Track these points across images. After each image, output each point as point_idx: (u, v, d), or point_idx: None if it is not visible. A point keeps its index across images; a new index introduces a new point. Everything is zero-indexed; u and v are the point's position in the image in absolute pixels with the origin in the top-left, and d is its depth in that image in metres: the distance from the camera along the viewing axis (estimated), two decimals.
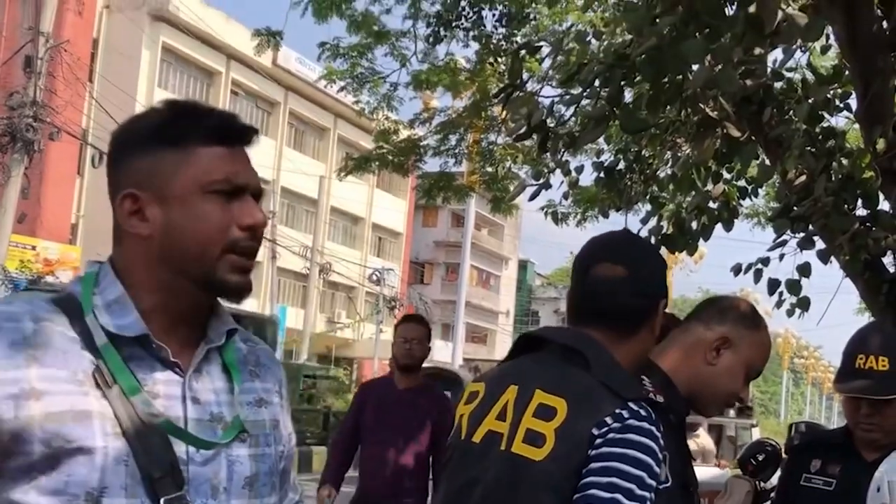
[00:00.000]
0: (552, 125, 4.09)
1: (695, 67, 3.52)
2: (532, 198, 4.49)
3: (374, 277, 37.43)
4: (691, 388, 2.03)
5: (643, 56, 3.24)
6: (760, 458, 4.43)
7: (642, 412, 1.69)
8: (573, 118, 4.65)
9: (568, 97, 4.08)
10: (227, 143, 1.40)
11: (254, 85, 35.62)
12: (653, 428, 1.68)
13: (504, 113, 5.05)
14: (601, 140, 9.34)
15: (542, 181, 4.21)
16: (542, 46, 4.99)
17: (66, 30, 24.60)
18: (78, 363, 1.30)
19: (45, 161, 21.68)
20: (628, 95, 4.42)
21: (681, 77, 3.62)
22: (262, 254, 33.51)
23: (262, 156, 34.85)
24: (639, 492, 1.63)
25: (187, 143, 1.38)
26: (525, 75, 7.84)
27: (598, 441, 1.67)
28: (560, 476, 1.66)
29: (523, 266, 62.38)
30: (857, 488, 2.06)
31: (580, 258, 1.92)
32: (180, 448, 1.34)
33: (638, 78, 3.90)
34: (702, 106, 3.90)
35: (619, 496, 1.62)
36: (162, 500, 1.28)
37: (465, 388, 1.93)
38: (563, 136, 4.08)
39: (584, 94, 3.79)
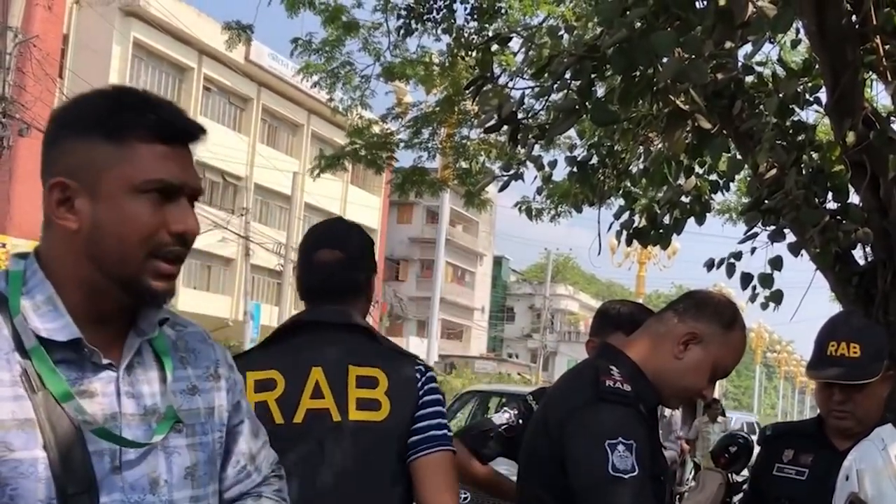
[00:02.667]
0: (523, 118, 4.07)
1: (665, 60, 3.51)
2: (502, 188, 4.48)
3: None
4: (655, 379, 2.02)
5: (613, 48, 3.22)
6: (733, 450, 4.45)
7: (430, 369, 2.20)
8: (544, 110, 4.63)
9: (538, 89, 4.05)
10: (168, 141, 1.34)
11: (226, 81, 35.37)
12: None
13: (475, 105, 5.02)
14: (574, 135, 9.35)
15: (511, 172, 4.18)
16: (512, 37, 4.97)
17: (36, 25, 24.35)
18: (14, 367, 1.25)
19: (14, 158, 21.43)
20: (600, 89, 4.41)
21: (651, 70, 3.60)
22: (236, 251, 33.42)
23: (235, 152, 34.70)
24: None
25: (126, 138, 1.32)
26: (498, 69, 7.85)
27: (421, 392, 2.12)
28: (402, 428, 2.07)
29: (498, 262, 62.46)
30: (829, 477, 2.05)
31: (305, 246, 2.31)
32: (113, 448, 1.30)
33: (609, 70, 3.88)
34: (672, 98, 3.88)
35: (446, 431, 2.10)
36: None
37: (247, 377, 2.02)
38: (533, 129, 4.05)
39: (555, 86, 3.78)
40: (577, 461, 1.88)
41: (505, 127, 3.80)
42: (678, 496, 10.36)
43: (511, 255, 70.83)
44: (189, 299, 33.60)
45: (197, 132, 1.39)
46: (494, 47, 8.69)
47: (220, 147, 33.46)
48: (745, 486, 3.00)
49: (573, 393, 2.01)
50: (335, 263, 2.22)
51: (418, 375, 2.14)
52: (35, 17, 24.73)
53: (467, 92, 5.12)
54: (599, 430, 1.86)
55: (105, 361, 1.33)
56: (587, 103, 3.64)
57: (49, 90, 22.12)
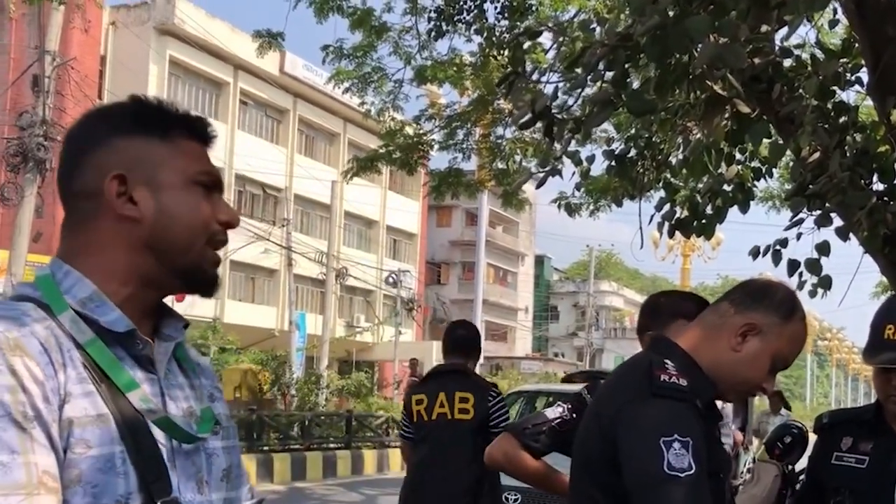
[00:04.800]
0: (557, 112, 4.01)
1: (700, 46, 3.44)
2: (539, 185, 4.43)
3: (391, 280, 37.42)
4: (712, 372, 1.95)
5: (647, 36, 3.16)
6: (787, 440, 4.36)
7: None
8: (578, 103, 4.57)
9: (571, 82, 4.00)
10: (202, 140, 1.42)
11: (262, 94, 35.67)
12: None
13: (508, 102, 4.97)
14: (611, 128, 9.27)
15: (548, 169, 4.13)
16: (542, 31, 4.91)
17: (74, 48, 24.73)
18: (76, 363, 1.24)
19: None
20: (635, 80, 4.34)
21: (687, 56, 3.54)
22: (279, 261, 33.62)
23: (274, 164, 34.96)
24: None
25: (173, 135, 1.38)
26: (530, 66, 7.80)
27: (491, 405, 4.74)
28: (480, 424, 4.64)
29: (540, 262, 62.23)
30: (891, 464, 1.97)
31: (450, 326, 4.77)
32: (168, 445, 1.30)
33: (643, 59, 3.82)
34: (709, 84, 3.81)
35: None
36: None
37: (413, 398, 4.93)
38: (568, 123, 4.00)
39: (588, 78, 3.73)
40: (630, 459, 1.80)
41: (539, 122, 3.75)
42: (736, 488, 10.21)
43: (553, 254, 70.61)
44: (235, 311, 33.90)
45: (214, 135, 1.47)
46: (526, 44, 8.67)
47: (258, 160, 33.74)
48: (801, 477, 2.92)
49: (626, 388, 1.94)
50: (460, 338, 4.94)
51: (490, 396, 4.78)
52: (72, 40, 25.11)
53: (500, 89, 5.07)
54: (654, 426, 1.79)
55: (152, 357, 1.34)
56: (622, 94, 3.58)
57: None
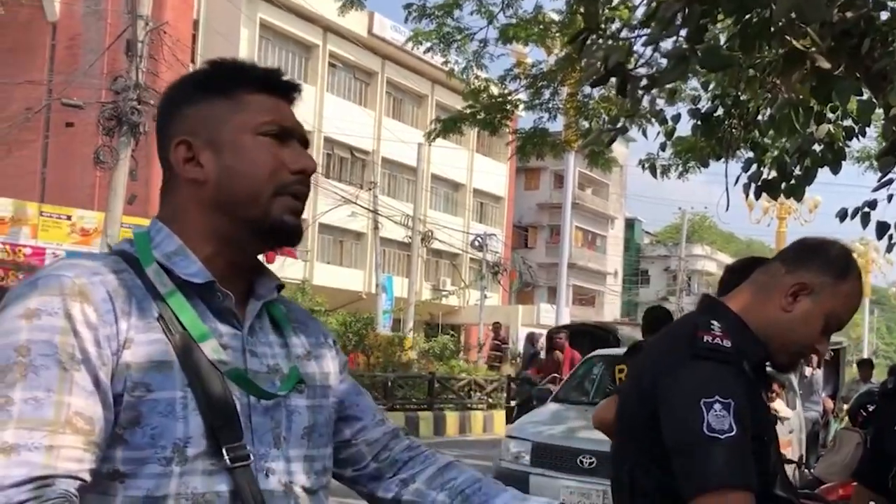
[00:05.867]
0: (633, 69, 3.91)
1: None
2: (609, 143, 4.34)
3: (477, 243, 37.42)
4: (762, 333, 1.90)
5: None
6: (870, 408, 4.23)
7: None
8: (655, 61, 4.45)
9: (646, 37, 3.89)
10: (273, 92, 1.43)
11: (351, 56, 35.83)
12: None
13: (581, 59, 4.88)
14: (698, 86, 9.02)
15: (619, 126, 4.03)
16: None
17: (167, 12, 25.18)
18: (150, 312, 1.30)
19: (152, 143, 22.25)
20: (715, 35, 4.19)
21: (768, 11, 3.40)
22: (366, 225, 33.92)
23: (362, 127, 35.18)
24: None
25: (236, 92, 1.41)
26: (618, 24, 7.62)
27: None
28: None
29: (630, 225, 61.48)
30: None
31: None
32: (244, 398, 1.34)
33: (720, 14, 3.69)
34: (788, 38, 3.65)
35: None
36: (224, 450, 1.28)
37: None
38: (641, 79, 3.89)
39: (664, 33, 3.61)
40: (670, 421, 1.79)
41: (613, 79, 3.66)
42: (819, 457, 9.97)
43: (644, 217, 69.69)
44: (323, 274, 34.38)
45: (295, 87, 1.47)
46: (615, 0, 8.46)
47: (346, 122, 33.99)
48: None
49: (668, 350, 1.90)
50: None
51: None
52: (166, 4, 25.59)
53: (572, 45, 4.96)
54: (694, 387, 1.76)
55: (234, 310, 1.38)
56: (697, 49, 3.47)
57: (182, 76, 22.86)
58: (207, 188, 1.38)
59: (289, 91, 1.46)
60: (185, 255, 1.36)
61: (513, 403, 15.00)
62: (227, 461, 1.28)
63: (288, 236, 1.40)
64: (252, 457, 1.31)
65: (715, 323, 1.87)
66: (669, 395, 1.81)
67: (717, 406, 1.72)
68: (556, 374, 12.24)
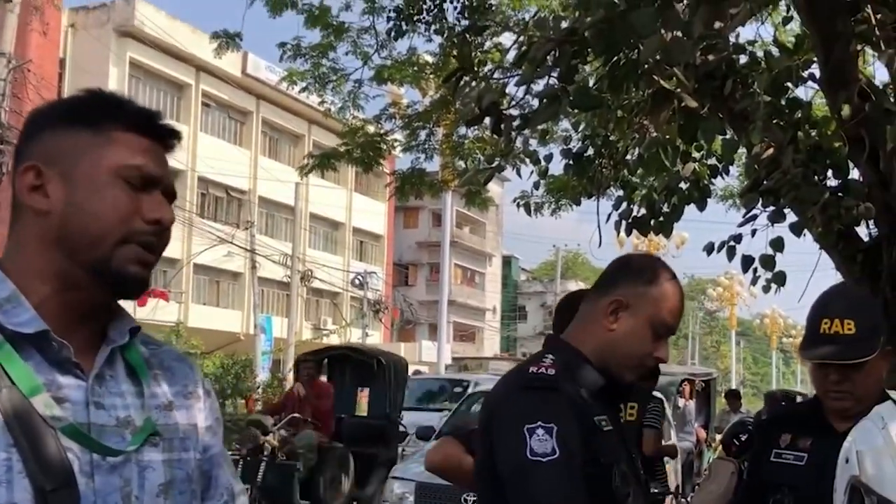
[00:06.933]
0: (505, 109, 3.97)
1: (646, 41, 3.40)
2: (486, 182, 4.39)
3: (357, 281, 37.24)
4: (599, 357, 1.98)
5: (592, 30, 3.12)
6: (743, 437, 4.34)
7: None
8: (526, 99, 4.53)
9: (518, 77, 3.95)
10: (145, 134, 1.35)
11: (224, 95, 35.39)
12: None
13: (456, 99, 4.94)
14: (569, 127, 9.24)
15: (494, 165, 4.09)
16: (488, 26, 4.86)
17: (32, 50, 24.31)
18: None
19: None
20: (585, 75, 4.30)
21: (635, 52, 3.50)
22: (243, 264, 33.34)
23: (237, 166, 34.66)
24: None
25: (105, 126, 1.32)
26: (490, 66, 7.75)
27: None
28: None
29: (507, 262, 62.29)
30: (829, 461, 1.92)
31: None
32: (85, 456, 1.23)
33: (591, 55, 3.78)
34: (656, 78, 3.78)
35: None
36: None
37: None
38: (515, 118, 3.95)
39: (536, 73, 3.68)
40: (499, 450, 1.88)
41: (487, 119, 3.70)
42: (695, 486, 10.23)
43: (520, 254, 70.69)
44: (199, 315, 33.57)
45: (172, 132, 1.38)
46: (486, 43, 8.61)
47: (222, 162, 33.44)
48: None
49: (503, 385, 2.02)
50: None
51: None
52: (30, 42, 24.70)
53: (446, 86, 5.02)
54: (519, 416, 1.84)
55: (74, 360, 1.27)
56: (568, 90, 3.54)
57: None
58: (51, 222, 1.28)
59: (165, 136, 1.37)
60: (18, 302, 1.26)
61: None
62: None
63: (130, 287, 1.31)
64: None
65: (548, 357, 1.96)
66: (499, 426, 1.90)
67: (539, 431, 1.80)
68: (295, 415, 9.72)
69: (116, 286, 1.31)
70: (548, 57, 3.51)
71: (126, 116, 1.34)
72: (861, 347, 2.27)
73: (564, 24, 3.77)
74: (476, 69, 4.47)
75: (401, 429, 11.55)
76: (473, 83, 3.84)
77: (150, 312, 25.21)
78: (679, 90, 4.01)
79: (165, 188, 1.36)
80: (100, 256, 1.28)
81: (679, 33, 3.38)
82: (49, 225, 1.28)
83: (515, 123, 3.86)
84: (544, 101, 3.53)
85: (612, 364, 1.99)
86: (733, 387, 25.13)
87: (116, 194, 1.29)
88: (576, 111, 5.52)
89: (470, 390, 13.76)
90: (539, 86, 4.29)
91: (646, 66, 3.56)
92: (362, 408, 12.57)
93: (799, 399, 13.25)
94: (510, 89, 4.29)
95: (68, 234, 1.28)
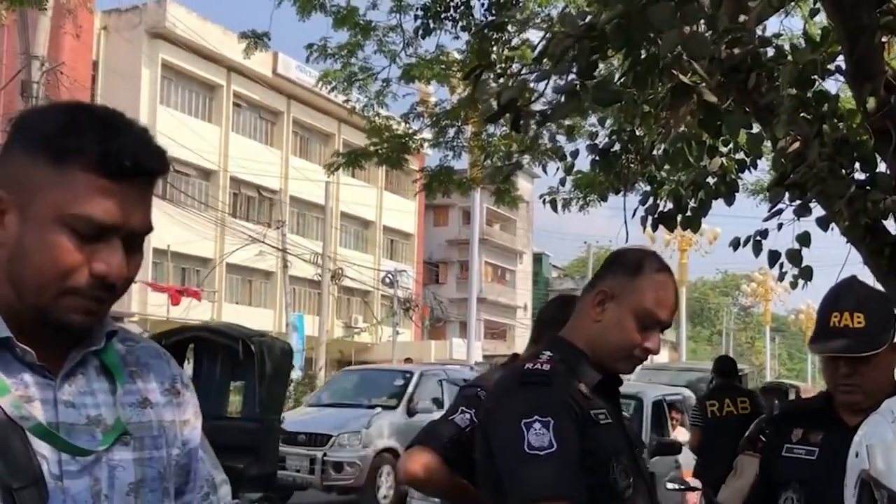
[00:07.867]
0: (522, 104, 3.97)
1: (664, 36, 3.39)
2: (505, 178, 4.39)
3: (388, 280, 37.34)
4: (591, 349, 2.01)
5: (611, 25, 3.12)
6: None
7: None
8: (544, 95, 4.53)
9: (538, 73, 3.96)
10: (112, 176, 1.23)
11: (256, 96, 35.60)
12: None
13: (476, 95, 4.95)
14: (595, 122, 9.23)
15: (513, 162, 4.09)
16: (508, 23, 4.87)
17: (65, 53, 24.61)
18: None
19: None
20: (606, 70, 4.30)
21: (654, 46, 3.49)
22: (274, 263, 33.55)
23: (268, 166, 34.89)
24: None
25: (68, 163, 1.22)
26: (518, 64, 7.75)
27: None
28: None
29: (538, 259, 62.10)
30: (840, 455, 1.92)
31: None
32: (54, 456, 1.24)
33: (610, 50, 3.78)
34: (674, 72, 3.77)
35: None
36: None
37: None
38: (534, 114, 3.96)
39: (555, 69, 3.68)
40: (497, 446, 1.90)
41: (506, 115, 3.71)
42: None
43: (551, 251, 70.59)
44: (231, 314, 33.77)
45: (152, 167, 1.27)
46: (514, 40, 8.60)
47: (253, 162, 33.68)
48: None
49: (500, 384, 2.04)
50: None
51: None
52: (64, 45, 25.01)
53: (465, 83, 5.04)
54: (516, 412, 1.87)
55: (39, 364, 1.28)
56: (588, 85, 3.54)
57: None
58: (3, 254, 1.25)
59: (142, 171, 1.25)
60: None
61: None
62: None
63: (70, 334, 1.28)
64: None
65: (545, 353, 2.00)
66: (497, 423, 1.93)
67: (536, 425, 1.83)
68: None
69: (59, 331, 1.28)
70: (568, 52, 3.52)
71: (93, 154, 1.22)
72: (871, 341, 2.26)
73: (585, 19, 3.76)
74: (499, 66, 4.48)
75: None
76: (492, 79, 3.86)
77: (183, 311, 25.46)
78: (699, 84, 3.99)
79: (130, 230, 1.26)
80: (40, 305, 1.25)
81: (699, 27, 3.38)
82: (2, 256, 1.25)
83: (535, 119, 3.86)
84: (564, 96, 3.54)
85: (602, 354, 2.01)
86: (767, 381, 24.79)
87: (61, 245, 1.22)
88: (598, 106, 5.51)
89: (414, 381, 12.91)
90: (560, 82, 4.29)
91: (666, 60, 3.55)
92: (236, 407, 10.84)
93: (791, 391, 13.34)
94: (533, 85, 4.30)
95: (14, 275, 1.25)
